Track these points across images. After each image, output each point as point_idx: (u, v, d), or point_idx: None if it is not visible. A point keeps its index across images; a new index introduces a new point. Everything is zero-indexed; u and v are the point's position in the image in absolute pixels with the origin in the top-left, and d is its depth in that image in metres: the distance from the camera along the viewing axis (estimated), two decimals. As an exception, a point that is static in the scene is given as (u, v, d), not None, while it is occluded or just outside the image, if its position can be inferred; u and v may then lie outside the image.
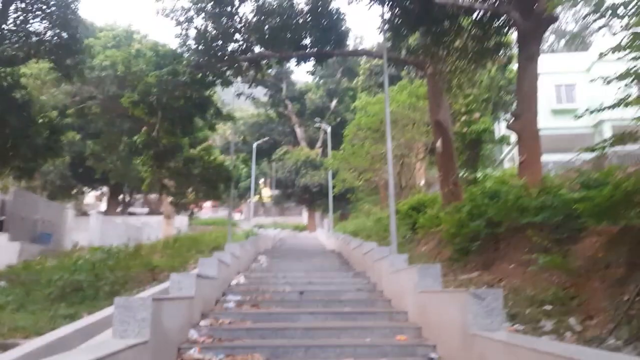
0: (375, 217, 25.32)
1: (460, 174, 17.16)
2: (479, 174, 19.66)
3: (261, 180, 55.86)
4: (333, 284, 8.80)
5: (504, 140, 21.52)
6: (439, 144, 16.03)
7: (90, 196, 49.33)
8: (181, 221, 33.23)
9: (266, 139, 42.60)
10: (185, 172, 19.69)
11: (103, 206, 41.98)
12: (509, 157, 28.39)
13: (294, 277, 9.67)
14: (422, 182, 27.01)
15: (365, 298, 7.52)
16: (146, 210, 41.82)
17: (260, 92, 46.56)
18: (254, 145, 40.77)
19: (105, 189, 40.42)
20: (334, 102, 43.00)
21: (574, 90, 24.63)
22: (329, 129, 33.34)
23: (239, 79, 18.65)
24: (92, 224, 21.04)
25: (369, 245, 10.12)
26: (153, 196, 39.56)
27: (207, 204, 56.26)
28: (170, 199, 21.69)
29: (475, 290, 3.82)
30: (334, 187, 29.24)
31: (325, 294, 7.83)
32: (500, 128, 25.16)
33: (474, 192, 11.45)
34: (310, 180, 39.78)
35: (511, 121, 12.08)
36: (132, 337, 3.68)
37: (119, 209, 37.57)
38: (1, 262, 14.50)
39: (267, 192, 57.78)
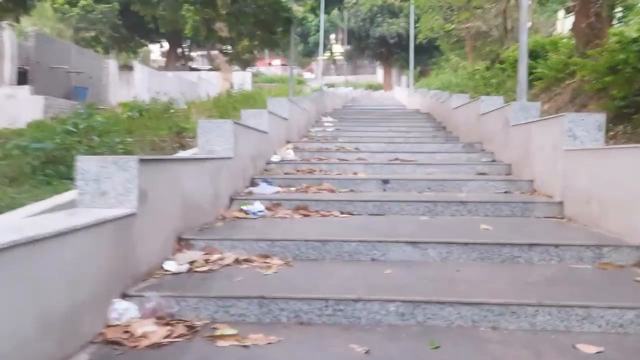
0: (467, 71, 20.80)
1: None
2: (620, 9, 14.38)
3: (332, 36, 50.68)
4: (434, 163, 5.35)
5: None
6: (579, -42, 10.98)
7: (156, 52, 47.06)
8: (243, 77, 30.17)
9: (336, -20, 36.64)
10: (235, 12, 15.89)
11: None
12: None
13: (371, 149, 6.29)
14: (528, 25, 21.56)
15: (504, 195, 4.06)
16: (208, 66, 38.92)
17: None
18: (323, -12, 35.32)
19: (165, 43, 37.63)
20: None
21: None
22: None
23: None
24: (137, 78, 18.37)
25: (491, 102, 6.38)
26: (215, 52, 36.25)
27: (277, 62, 52.83)
28: (222, 48, 18.24)
29: None
30: (417, 35, 24.33)
31: (427, 185, 4.45)
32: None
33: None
34: (388, 29, 34.44)
35: None
36: None
37: (178, 64, 34.90)
38: (23, 119, 12.26)
39: (338, 49, 52.89)
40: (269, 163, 5.25)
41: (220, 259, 2.68)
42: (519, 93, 7.33)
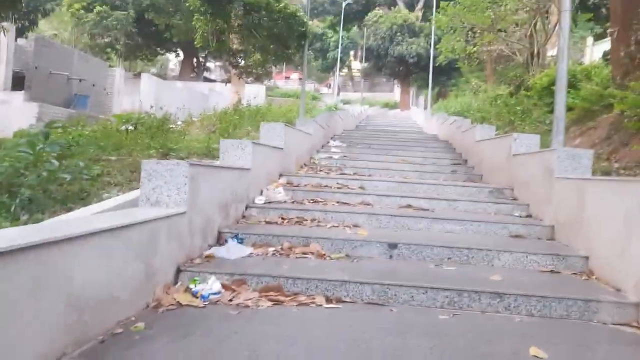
0: (488, 95, 19.73)
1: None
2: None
3: (351, 52, 50.11)
4: (456, 219, 4.28)
5: None
6: (620, -21, 10.01)
7: (173, 62, 46.69)
8: (257, 91, 29.44)
9: (357, -4, 36.12)
10: (248, 24, 15.10)
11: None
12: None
13: (378, 190, 5.28)
14: (554, 53, 20.38)
15: (552, 279, 3.00)
16: (224, 78, 38.33)
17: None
18: (343, 4, 34.78)
19: (180, 52, 37.17)
20: (443, -49, 34.65)
21: None
22: (435, -18, 26.32)
23: None
24: (143, 87, 17.64)
25: (525, 141, 5.33)
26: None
27: (294, 76, 52.32)
28: (234, 59, 17.45)
29: None
30: (437, 56, 23.40)
31: (447, 253, 3.40)
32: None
33: None
34: (407, 49, 33.51)
35: None
36: None
37: (193, 74, 34.35)
38: (15, 126, 11.50)
39: (356, 66, 52.26)
40: (249, 207, 4.24)
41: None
42: (556, 130, 6.25)
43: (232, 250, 3.21)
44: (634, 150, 7.14)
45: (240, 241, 3.40)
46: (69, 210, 4.71)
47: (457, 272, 3.13)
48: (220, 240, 3.45)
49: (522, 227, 4.11)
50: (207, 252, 3.17)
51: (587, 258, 3.30)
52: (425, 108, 25.84)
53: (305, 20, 15.38)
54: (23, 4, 11.51)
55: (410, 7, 37.29)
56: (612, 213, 3.05)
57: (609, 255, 3.04)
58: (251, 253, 3.28)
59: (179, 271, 2.80)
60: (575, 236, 3.57)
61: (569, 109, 10.11)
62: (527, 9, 17.14)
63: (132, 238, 2.28)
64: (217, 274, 2.78)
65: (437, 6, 23.63)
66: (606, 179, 3.33)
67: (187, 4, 14.96)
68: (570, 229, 3.69)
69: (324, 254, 3.34)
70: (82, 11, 26.27)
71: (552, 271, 3.26)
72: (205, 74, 39.11)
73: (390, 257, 3.43)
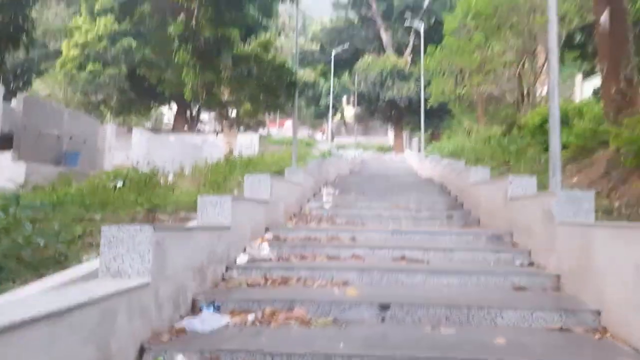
0: (480, 135, 19.73)
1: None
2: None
3: (343, 98, 50.86)
4: (453, 271, 3.99)
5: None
6: (604, 17, 10.09)
7: (167, 115, 47.09)
8: (251, 140, 29.51)
9: (345, 45, 36.89)
10: (236, 76, 15.20)
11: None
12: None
13: (371, 241, 5.00)
14: (543, 92, 20.57)
15: (563, 338, 2.68)
16: (218, 128, 38.59)
17: (340, -8, 40.21)
18: (333, 53, 35.49)
19: (174, 105, 37.52)
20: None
21: None
22: (422, 28, 26.99)
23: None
24: (135, 142, 17.57)
25: (521, 183, 5.09)
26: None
27: (289, 123, 52.86)
28: (225, 110, 17.52)
29: None
30: (427, 98, 23.64)
31: (444, 312, 3.09)
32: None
33: None
34: (398, 93, 33.96)
35: None
36: None
37: (186, 126, 34.52)
38: (2, 186, 11.26)
39: (349, 111, 52.91)
40: (230, 268, 3.94)
41: None
42: (553, 170, 6.05)
43: (207, 321, 2.89)
44: (634, 187, 6.95)
45: (217, 309, 3.09)
46: (42, 276, 4.41)
47: (456, 336, 2.81)
48: (194, 309, 3.13)
49: (525, 277, 3.81)
50: (178, 325, 2.85)
51: (598, 312, 3.00)
52: (419, 150, 25.88)
53: (294, 69, 15.52)
54: (7, 65, 11.52)
55: (399, 52, 38.07)
56: (621, 262, 2.77)
57: (623, 310, 2.74)
58: (228, 322, 2.96)
59: (142, 350, 2.48)
60: (584, 287, 3.28)
61: (564, 146, 10.00)
62: (515, 49, 17.41)
63: (82, 320, 1.99)
64: (186, 351, 2.46)
65: (425, 51, 24.10)
66: (611, 224, 3.08)
67: (176, 59, 15.10)
68: (578, 278, 3.40)
69: (309, 320, 3.03)
70: (75, 70, 26.59)
71: (561, 328, 2.95)
72: (199, 126, 39.38)
73: (383, 319, 3.12)
